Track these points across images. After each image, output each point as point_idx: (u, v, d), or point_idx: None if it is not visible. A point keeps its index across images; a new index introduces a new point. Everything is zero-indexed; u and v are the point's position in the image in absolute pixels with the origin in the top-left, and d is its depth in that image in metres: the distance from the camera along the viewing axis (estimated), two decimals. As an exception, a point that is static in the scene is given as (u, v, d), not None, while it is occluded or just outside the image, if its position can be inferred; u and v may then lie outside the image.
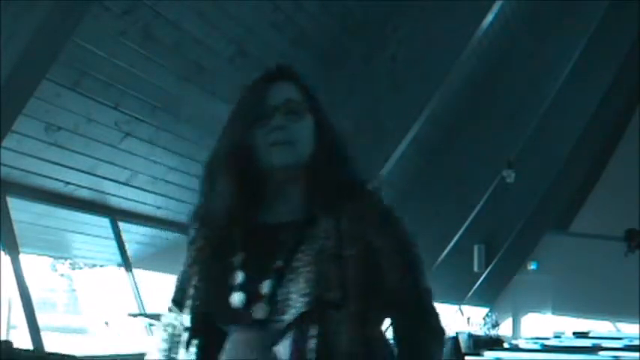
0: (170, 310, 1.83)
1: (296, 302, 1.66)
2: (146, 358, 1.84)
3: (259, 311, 1.69)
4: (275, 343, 1.66)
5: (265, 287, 1.70)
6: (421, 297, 1.83)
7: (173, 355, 1.78)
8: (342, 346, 1.66)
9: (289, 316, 1.66)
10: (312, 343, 1.64)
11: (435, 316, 1.88)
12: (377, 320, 1.77)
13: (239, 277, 1.73)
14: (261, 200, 1.80)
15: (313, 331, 1.65)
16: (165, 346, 1.81)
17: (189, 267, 1.81)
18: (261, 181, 1.79)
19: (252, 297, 1.70)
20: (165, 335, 1.82)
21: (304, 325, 1.65)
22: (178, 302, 1.81)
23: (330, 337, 1.65)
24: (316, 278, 1.67)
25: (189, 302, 1.76)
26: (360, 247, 1.72)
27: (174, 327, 1.81)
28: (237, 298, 1.71)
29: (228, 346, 1.71)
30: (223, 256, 1.76)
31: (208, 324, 1.73)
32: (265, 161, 1.77)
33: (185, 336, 1.76)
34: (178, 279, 1.85)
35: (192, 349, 1.74)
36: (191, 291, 1.76)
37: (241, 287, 1.72)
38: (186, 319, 1.76)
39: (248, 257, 1.74)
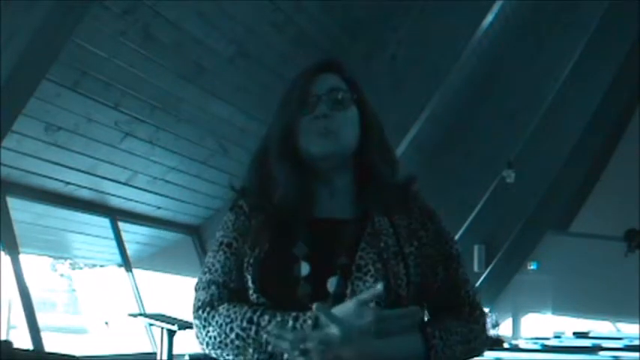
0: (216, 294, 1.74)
1: None
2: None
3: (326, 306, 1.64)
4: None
5: (332, 284, 1.68)
6: (463, 287, 1.82)
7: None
8: None
9: None
10: None
11: (479, 308, 1.83)
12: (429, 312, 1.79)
13: (305, 269, 1.69)
14: (313, 193, 1.79)
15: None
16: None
17: (245, 251, 1.73)
18: (310, 172, 1.78)
19: (318, 291, 1.67)
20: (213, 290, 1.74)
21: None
22: (226, 286, 1.73)
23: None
24: (387, 275, 1.67)
25: (251, 285, 1.70)
26: (416, 244, 1.75)
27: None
28: (303, 291, 1.68)
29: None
30: (282, 247, 1.72)
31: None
32: (307, 150, 1.76)
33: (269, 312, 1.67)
34: (227, 252, 1.76)
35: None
36: (249, 276, 1.71)
37: (307, 280, 1.68)
38: (253, 297, 1.70)
39: (312, 251, 1.71)
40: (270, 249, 1.72)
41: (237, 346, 1.67)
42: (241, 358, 1.68)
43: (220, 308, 1.71)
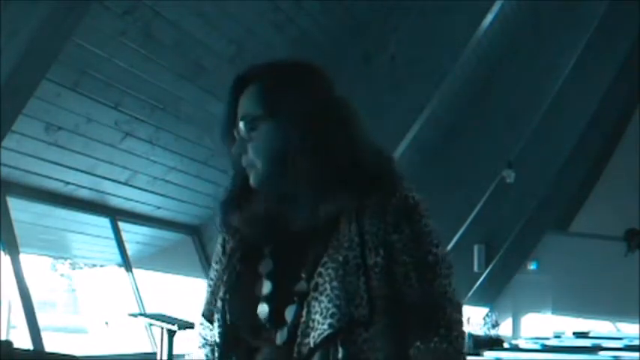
0: (201, 324, 1.76)
1: (320, 324, 1.54)
2: None
3: (280, 337, 1.59)
4: None
5: (289, 314, 1.59)
6: (429, 299, 1.60)
7: None
8: None
9: (313, 339, 1.54)
10: None
11: (456, 329, 1.63)
12: (408, 335, 1.60)
13: (267, 287, 1.63)
14: (278, 212, 1.68)
15: (340, 353, 1.54)
16: None
17: (219, 277, 1.71)
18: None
19: (277, 311, 1.60)
20: (205, 351, 1.75)
21: (330, 349, 1.54)
22: (207, 317, 1.72)
23: (358, 358, 1.54)
24: (341, 296, 1.54)
25: (217, 316, 1.68)
26: (382, 253, 1.59)
27: (209, 343, 1.75)
28: (261, 309, 1.62)
29: None
30: (252, 265, 1.66)
31: (239, 338, 1.65)
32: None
33: (218, 352, 1.68)
34: (208, 286, 1.75)
35: None
36: (219, 303, 1.67)
37: (267, 299, 1.62)
38: (215, 333, 1.68)
39: (277, 267, 1.64)
40: (240, 269, 1.68)
41: None
42: None
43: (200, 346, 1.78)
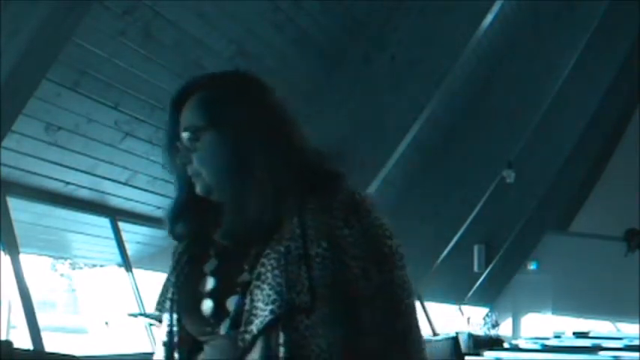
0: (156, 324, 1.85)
1: (262, 311, 1.59)
2: None
3: (224, 327, 1.65)
4: (244, 355, 1.61)
5: (231, 303, 1.65)
6: (387, 290, 1.64)
7: None
8: (313, 353, 1.59)
9: (255, 326, 1.59)
10: (282, 352, 1.57)
11: (403, 316, 1.65)
12: (351, 324, 1.63)
13: (210, 283, 1.70)
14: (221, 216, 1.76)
15: (282, 338, 1.58)
16: None
17: (168, 279, 1.79)
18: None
19: (221, 306, 1.67)
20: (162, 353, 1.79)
21: (272, 335, 1.58)
22: (159, 318, 1.80)
23: (301, 344, 1.58)
24: (282, 283, 1.59)
25: (166, 315, 1.75)
26: (325, 245, 1.62)
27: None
28: (205, 306, 1.68)
29: (202, 357, 1.70)
30: (199, 265, 1.74)
31: (187, 336, 1.72)
32: None
33: (162, 352, 1.74)
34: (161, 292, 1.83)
35: None
36: (168, 303, 1.75)
37: (210, 295, 1.68)
38: (163, 332, 1.75)
39: (220, 264, 1.71)
40: (187, 270, 1.76)
41: None
42: None
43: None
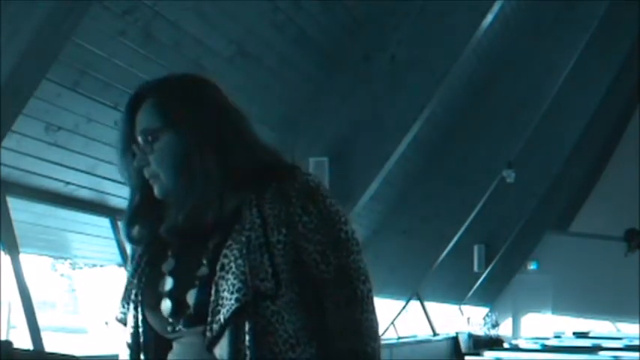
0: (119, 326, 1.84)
1: (228, 300, 1.62)
2: None
3: (185, 323, 1.68)
4: (213, 345, 1.63)
5: (190, 297, 1.68)
6: (345, 274, 1.69)
7: None
8: (280, 339, 1.63)
9: (222, 315, 1.62)
10: (247, 340, 1.60)
11: (359, 299, 1.69)
12: (315, 308, 1.69)
13: (169, 283, 1.72)
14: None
15: (247, 326, 1.61)
16: None
17: (129, 281, 1.81)
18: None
19: (179, 306, 1.69)
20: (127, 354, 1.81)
21: (239, 322, 1.61)
22: (122, 320, 1.81)
23: (267, 330, 1.62)
24: (246, 271, 1.62)
25: (130, 316, 1.77)
26: (285, 232, 1.68)
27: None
28: (164, 306, 1.70)
29: (171, 355, 1.72)
30: (158, 266, 1.76)
31: (152, 336, 1.74)
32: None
33: (129, 352, 1.76)
34: (122, 293, 1.84)
35: None
36: (131, 305, 1.77)
37: (169, 295, 1.71)
38: (128, 333, 1.77)
39: (178, 263, 1.74)
40: (148, 271, 1.78)
41: None
42: None
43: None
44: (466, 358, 11.93)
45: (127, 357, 1.78)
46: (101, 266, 9.57)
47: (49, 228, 6.92)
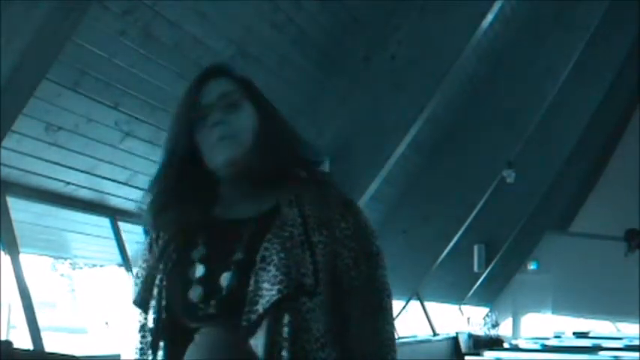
0: (136, 310, 1.81)
1: (268, 291, 1.62)
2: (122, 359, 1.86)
3: (217, 305, 1.67)
4: (248, 335, 1.63)
5: (224, 280, 1.68)
6: (373, 285, 1.74)
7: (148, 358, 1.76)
8: (313, 337, 1.64)
9: (262, 305, 1.62)
10: (285, 332, 1.61)
11: (384, 310, 1.75)
12: (338, 314, 1.71)
13: (199, 270, 1.71)
14: (220, 199, 1.80)
15: (285, 319, 1.62)
16: (138, 357, 1.78)
17: (154, 266, 1.78)
18: (214, 180, 1.79)
19: (211, 291, 1.68)
20: (137, 346, 1.79)
21: (278, 314, 1.62)
22: (141, 303, 1.79)
23: (303, 326, 1.63)
24: (288, 264, 1.64)
25: (153, 302, 1.75)
26: (325, 233, 1.71)
27: (143, 337, 1.78)
28: (194, 293, 1.69)
29: (195, 344, 1.69)
30: (187, 253, 1.75)
31: (174, 323, 1.72)
32: (211, 161, 1.76)
33: (150, 338, 1.74)
34: (140, 278, 1.82)
35: (160, 352, 1.72)
36: (155, 290, 1.75)
37: (200, 281, 1.70)
38: (150, 319, 1.75)
39: (210, 251, 1.73)
40: (175, 258, 1.75)
41: None
42: None
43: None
44: (466, 358, 11.93)
45: (141, 340, 1.77)
46: (101, 266, 9.58)
47: (49, 228, 6.92)
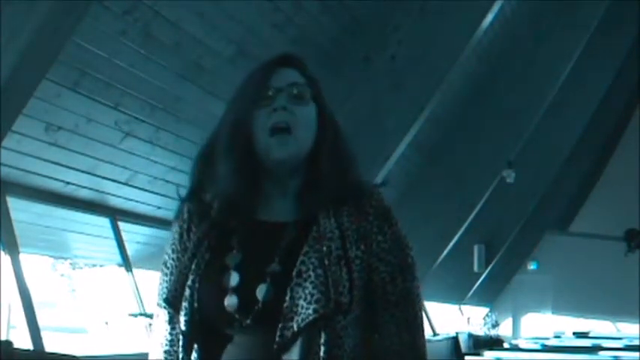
0: (165, 308, 1.75)
1: (304, 309, 1.59)
2: (150, 358, 1.78)
3: (253, 318, 1.62)
4: (283, 350, 1.60)
5: (260, 292, 1.63)
6: (408, 298, 1.72)
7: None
8: (345, 353, 1.62)
9: (296, 323, 1.59)
10: (321, 351, 1.59)
11: (419, 324, 1.74)
12: (372, 327, 1.71)
13: (234, 279, 1.65)
14: (261, 193, 1.72)
15: (322, 338, 1.59)
16: (167, 348, 1.74)
17: (186, 265, 1.71)
18: (261, 170, 1.71)
19: (247, 301, 1.63)
20: (167, 337, 1.74)
21: (313, 332, 1.59)
22: (170, 302, 1.72)
23: (337, 343, 1.61)
24: (326, 282, 1.60)
25: (185, 304, 1.68)
26: (363, 248, 1.67)
27: (173, 329, 1.74)
28: (230, 302, 1.64)
29: (228, 352, 1.65)
30: (220, 255, 1.69)
31: (207, 326, 1.67)
32: (264, 151, 1.69)
33: (182, 340, 1.69)
34: (169, 269, 1.75)
35: (194, 355, 1.68)
36: (187, 291, 1.68)
37: (235, 290, 1.64)
38: (182, 321, 1.69)
39: (245, 258, 1.67)
40: (208, 259, 1.69)
41: None
42: None
43: (158, 331, 1.76)
44: (466, 358, 11.91)
45: (170, 332, 1.73)
46: (101, 266, 9.58)
47: (49, 228, 6.92)
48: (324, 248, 1.64)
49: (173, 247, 1.77)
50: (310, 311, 1.59)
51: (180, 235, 1.77)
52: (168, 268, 1.75)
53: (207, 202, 1.73)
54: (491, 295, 15.32)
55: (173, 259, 1.75)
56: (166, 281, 1.74)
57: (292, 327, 1.59)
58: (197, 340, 1.68)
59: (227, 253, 1.68)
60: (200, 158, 1.77)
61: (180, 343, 1.69)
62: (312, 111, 1.74)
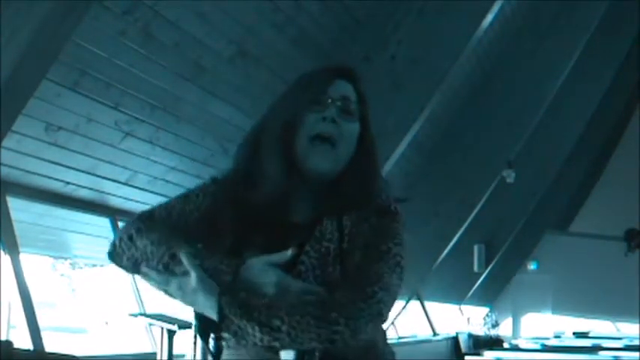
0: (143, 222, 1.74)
1: None
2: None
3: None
4: (282, 347, 1.61)
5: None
6: (382, 236, 1.69)
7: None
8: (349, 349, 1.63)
9: None
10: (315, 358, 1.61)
11: (391, 256, 1.69)
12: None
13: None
14: (292, 195, 1.75)
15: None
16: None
17: (201, 224, 1.73)
18: (296, 171, 1.73)
19: None
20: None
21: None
22: (155, 218, 1.74)
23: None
24: (324, 283, 1.64)
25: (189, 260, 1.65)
26: (357, 244, 1.69)
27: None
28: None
29: (230, 352, 1.67)
30: (240, 248, 1.70)
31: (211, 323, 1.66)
32: (302, 155, 1.72)
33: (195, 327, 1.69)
34: (176, 207, 1.77)
35: (210, 343, 1.69)
36: (191, 249, 1.66)
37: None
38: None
39: (256, 254, 1.68)
40: (230, 248, 1.70)
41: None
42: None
43: (155, 228, 1.72)
44: (466, 358, 11.93)
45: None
46: (101, 266, 9.58)
47: (49, 228, 6.93)
48: (323, 249, 1.67)
49: (196, 200, 1.78)
50: None
51: (205, 202, 1.78)
52: (167, 209, 1.77)
53: (240, 191, 1.75)
54: (491, 295, 15.32)
55: (189, 210, 1.77)
56: (167, 208, 1.77)
57: None
58: (211, 329, 1.66)
59: (248, 248, 1.69)
60: (246, 145, 1.80)
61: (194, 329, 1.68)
62: (356, 129, 1.79)
